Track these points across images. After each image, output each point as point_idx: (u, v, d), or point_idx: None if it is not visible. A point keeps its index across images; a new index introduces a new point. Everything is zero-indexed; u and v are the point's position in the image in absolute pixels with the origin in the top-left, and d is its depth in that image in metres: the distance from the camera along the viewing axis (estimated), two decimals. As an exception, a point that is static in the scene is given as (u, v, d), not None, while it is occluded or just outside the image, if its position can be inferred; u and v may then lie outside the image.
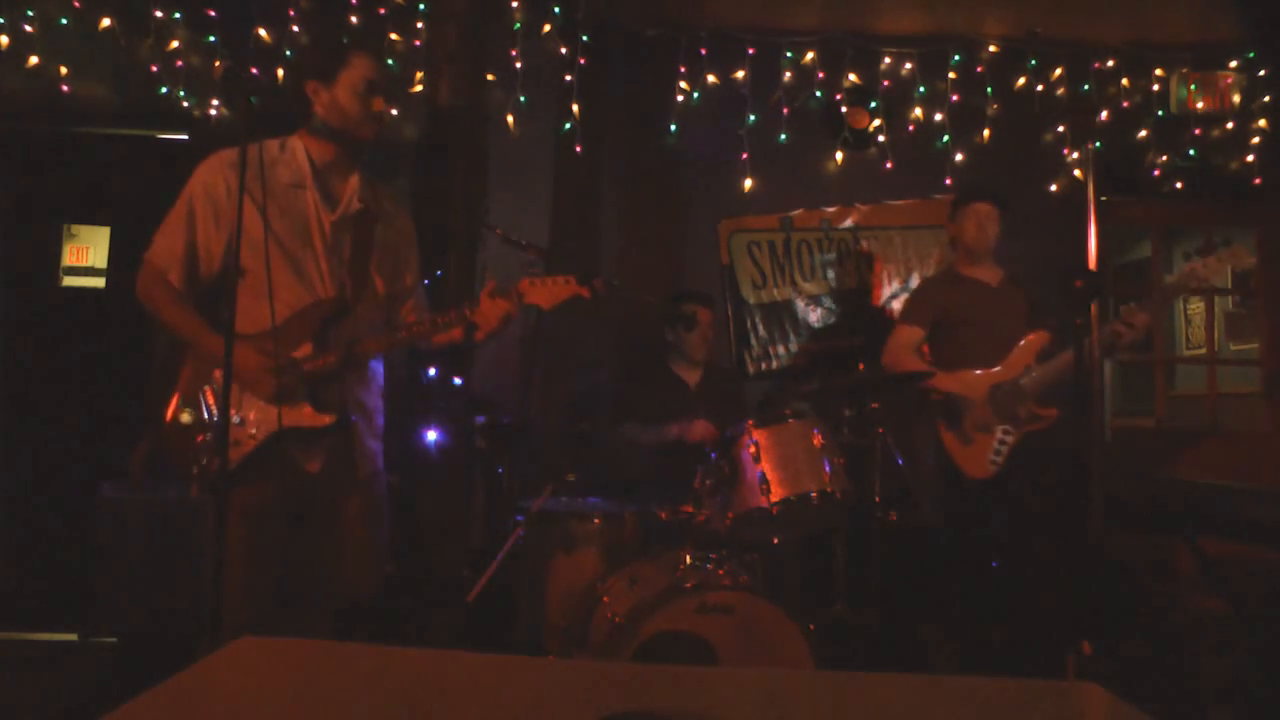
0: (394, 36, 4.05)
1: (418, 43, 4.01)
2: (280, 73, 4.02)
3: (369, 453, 2.25)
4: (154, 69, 3.98)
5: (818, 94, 4.48)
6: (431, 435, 3.30)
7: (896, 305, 4.43)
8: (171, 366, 2.12)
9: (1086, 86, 4.53)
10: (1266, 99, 4.52)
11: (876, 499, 3.21)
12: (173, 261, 2.09)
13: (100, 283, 4.22)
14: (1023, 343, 3.24)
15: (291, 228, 2.12)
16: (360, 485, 2.21)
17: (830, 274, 4.49)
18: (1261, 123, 4.53)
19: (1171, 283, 3.07)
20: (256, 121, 1.92)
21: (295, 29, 4.04)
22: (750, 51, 4.42)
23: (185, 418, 2.04)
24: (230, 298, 1.85)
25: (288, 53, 4.03)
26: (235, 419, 2.02)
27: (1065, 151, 4.53)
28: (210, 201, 2.10)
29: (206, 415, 2.04)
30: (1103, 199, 4.53)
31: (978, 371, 3.24)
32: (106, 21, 3.94)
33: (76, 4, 3.94)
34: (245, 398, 2.04)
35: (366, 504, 2.22)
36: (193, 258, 2.11)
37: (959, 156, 4.48)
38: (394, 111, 3.94)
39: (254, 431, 2.02)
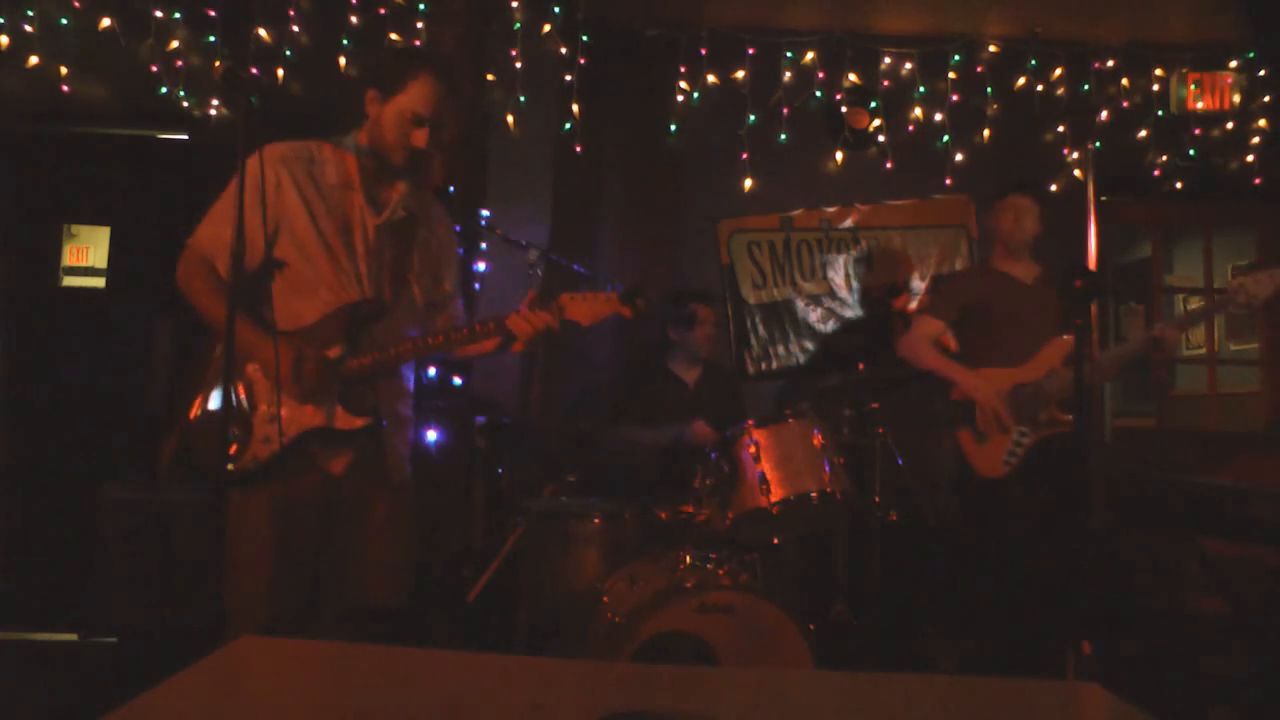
0: (394, 36, 4.05)
1: (418, 43, 4.01)
2: (280, 72, 4.02)
3: (400, 460, 2.22)
4: (154, 69, 3.98)
5: (818, 94, 4.48)
6: (431, 435, 3.30)
7: (898, 304, 4.44)
8: (198, 361, 2.09)
9: (1086, 86, 4.53)
10: (1266, 99, 4.51)
11: (876, 499, 3.20)
12: (221, 249, 2.03)
13: (100, 283, 4.22)
14: (1051, 345, 3.17)
15: (335, 227, 2.10)
16: (390, 493, 2.18)
17: (832, 274, 4.49)
18: (1261, 123, 4.53)
19: (1217, 300, 3.00)
20: (256, 121, 1.91)
21: (295, 29, 4.04)
22: (750, 51, 4.42)
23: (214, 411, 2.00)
24: (233, 290, 1.83)
25: (287, 53, 4.04)
26: (267, 416, 2.01)
27: (1065, 151, 4.53)
28: (259, 193, 2.05)
29: (239, 409, 2.01)
30: (1103, 199, 4.53)
31: (1001, 370, 3.19)
32: (106, 21, 3.93)
33: (76, 4, 3.94)
34: (279, 398, 2.01)
35: (395, 512, 2.19)
36: (239, 248, 2.05)
37: (959, 156, 4.48)
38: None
39: (285, 429, 2.00)
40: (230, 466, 1.95)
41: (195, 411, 2.06)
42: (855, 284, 4.48)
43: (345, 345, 2.07)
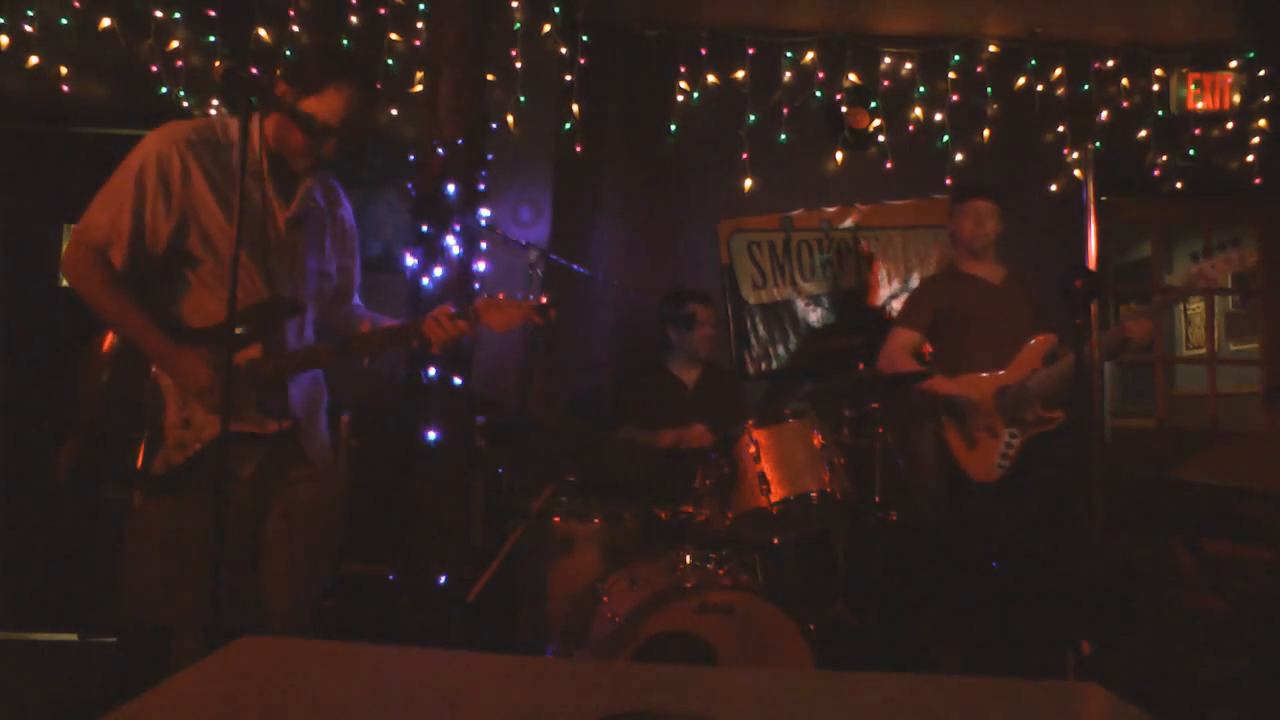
0: (394, 36, 4.05)
1: (418, 43, 4.00)
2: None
3: (319, 451, 2.19)
4: (154, 69, 3.98)
5: (818, 94, 4.48)
6: (431, 435, 3.30)
7: (896, 305, 4.43)
8: (87, 361, 2.02)
9: (1086, 86, 4.53)
10: (1266, 99, 4.51)
11: (876, 499, 3.20)
12: (116, 239, 1.90)
13: (100, 283, 4.21)
14: (1029, 345, 3.20)
15: (246, 220, 1.96)
16: (303, 487, 2.13)
17: (830, 274, 4.49)
18: (1261, 123, 4.53)
19: (1177, 285, 3.06)
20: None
21: (295, 29, 4.04)
22: (750, 51, 4.42)
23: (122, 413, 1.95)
24: (231, 295, 1.80)
25: (287, 53, 4.03)
26: (180, 421, 1.94)
27: (1065, 151, 4.53)
28: (162, 178, 1.91)
29: (145, 415, 1.94)
30: (1103, 199, 4.53)
31: (983, 374, 3.20)
32: (106, 21, 3.93)
33: (76, 4, 3.93)
34: (191, 401, 1.94)
35: (317, 503, 2.15)
36: (138, 237, 1.92)
37: (959, 156, 4.48)
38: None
39: (199, 434, 1.93)
40: (135, 471, 1.92)
41: (91, 414, 1.97)
42: (854, 284, 4.47)
43: (259, 347, 2.00)
